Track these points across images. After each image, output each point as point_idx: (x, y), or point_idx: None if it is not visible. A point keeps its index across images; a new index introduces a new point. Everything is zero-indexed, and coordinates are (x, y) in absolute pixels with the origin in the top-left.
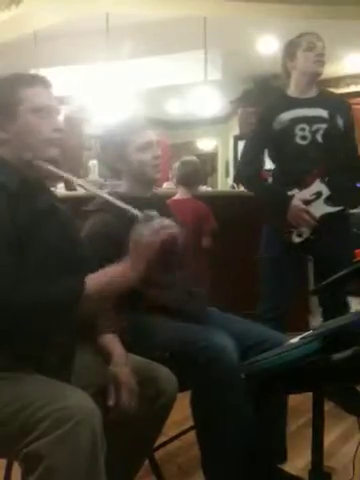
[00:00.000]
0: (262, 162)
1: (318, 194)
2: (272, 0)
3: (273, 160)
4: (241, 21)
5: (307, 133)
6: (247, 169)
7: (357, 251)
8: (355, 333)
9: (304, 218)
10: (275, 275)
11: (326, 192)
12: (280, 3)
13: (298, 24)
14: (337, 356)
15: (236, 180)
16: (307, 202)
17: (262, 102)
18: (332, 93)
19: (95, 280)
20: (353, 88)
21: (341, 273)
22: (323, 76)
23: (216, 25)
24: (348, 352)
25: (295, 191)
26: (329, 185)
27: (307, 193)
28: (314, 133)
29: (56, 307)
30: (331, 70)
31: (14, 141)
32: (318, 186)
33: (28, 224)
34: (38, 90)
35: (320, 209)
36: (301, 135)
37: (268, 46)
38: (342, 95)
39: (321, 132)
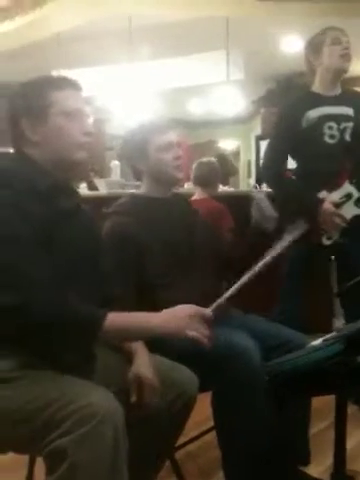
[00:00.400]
0: (287, 161)
1: (348, 196)
2: None
3: (298, 159)
4: (263, 21)
5: (335, 132)
6: (273, 168)
7: None
8: None
9: (336, 222)
10: (299, 275)
11: (356, 194)
12: (300, 1)
13: (319, 22)
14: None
15: (260, 180)
16: (338, 205)
17: (284, 102)
18: (355, 91)
19: (121, 319)
20: None
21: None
22: (346, 75)
23: (238, 25)
24: None
25: (323, 193)
26: (358, 186)
27: (337, 195)
28: (342, 132)
29: (77, 330)
30: (353, 68)
31: (44, 143)
32: (348, 188)
33: (56, 224)
34: (69, 93)
35: (350, 211)
36: (329, 134)
37: (290, 45)
38: None
39: (349, 131)
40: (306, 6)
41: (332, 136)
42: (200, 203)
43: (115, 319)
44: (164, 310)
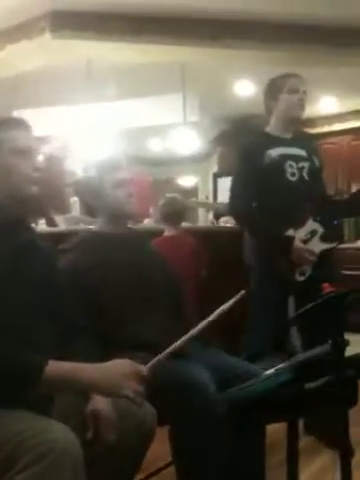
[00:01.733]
0: (253, 198)
1: (313, 232)
2: (246, 46)
3: (261, 196)
4: (217, 65)
5: (295, 170)
6: (241, 205)
7: (324, 285)
8: (326, 363)
9: (308, 258)
10: (270, 309)
11: (320, 230)
12: (254, 49)
13: (273, 69)
14: (309, 385)
15: (217, 216)
16: (305, 242)
17: (240, 141)
18: (304, 132)
19: (58, 370)
20: (327, 128)
21: (309, 306)
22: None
23: (194, 69)
24: (320, 381)
25: (291, 231)
26: (321, 222)
27: (303, 232)
28: (300, 170)
29: (12, 378)
30: (307, 111)
31: None
32: (312, 224)
33: (9, 261)
34: (19, 133)
35: (317, 246)
36: (290, 172)
37: (244, 89)
38: (317, 135)
39: (306, 170)
40: (257, 54)
41: (293, 174)
42: (179, 239)
43: (52, 368)
44: (99, 365)
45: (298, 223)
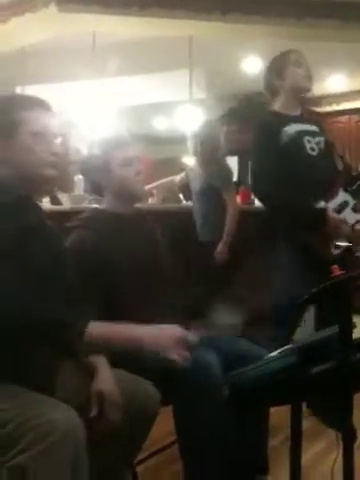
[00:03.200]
0: (277, 176)
1: (345, 203)
2: (256, 21)
3: (284, 174)
4: (225, 41)
5: (314, 145)
6: (266, 184)
7: (333, 267)
8: (333, 347)
9: (344, 228)
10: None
11: (351, 200)
12: (264, 24)
13: (282, 44)
14: (315, 369)
15: (254, 195)
16: (337, 213)
17: (247, 119)
18: (312, 110)
19: (105, 327)
20: (335, 107)
21: (318, 288)
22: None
23: (201, 45)
24: (325, 365)
25: (322, 203)
26: (352, 193)
27: (334, 204)
28: (318, 144)
29: (58, 334)
30: (314, 89)
31: (10, 160)
32: (343, 196)
33: (18, 240)
34: (38, 113)
35: (351, 217)
36: (310, 147)
37: (252, 65)
38: (325, 113)
39: (322, 144)
40: (266, 29)
41: (312, 149)
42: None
43: (100, 326)
44: (150, 326)
45: (328, 195)
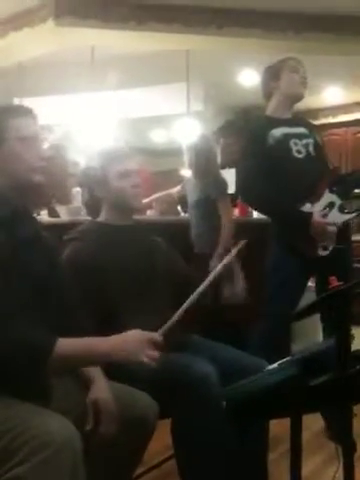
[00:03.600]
0: (263, 180)
1: (331, 204)
2: (252, 35)
3: (270, 177)
4: (222, 54)
5: (300, 147)
6: (254, 188)
7: (331, 279)
8: (331, 358)
9: (328, 231)
10: (287, 293)
11: (338, 201)
12: (260, 38)
13: (278, 57)
14: (314, 381)
15: (241, 200)
16: (324, 215)
17: (245, 127)
18: (302, 116)
19: (71, 345)
20: (331, 119)
21: (315, 300)
22: (303, 107)
23: (198, 58)
24: (324, 377)
25: (307, 206)
26: (337, 193)
27: (320, 206)
28: (306, 147)
29: (24, 356)
30: (310, 101)
31: (0, 168)
32: (328, 197)
33: (13, 252)
34: (24, 120)
35: (338, 218)
36: (296, 149)
37: (248, 79)
38: (321, 126)
39: (311, 146)
40: (262, 43)
41: (299, 151)
42: None
43: (65, 345)
44: (112, 336)
45: (313, 197)
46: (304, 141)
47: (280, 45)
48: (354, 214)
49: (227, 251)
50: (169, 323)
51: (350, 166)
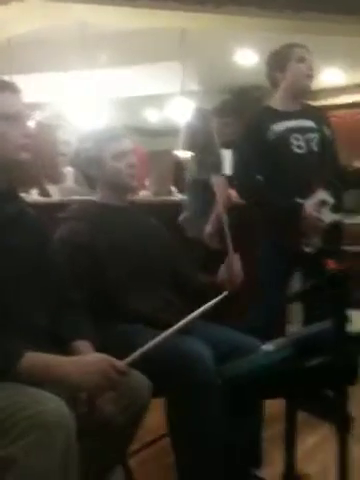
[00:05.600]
0: (258, 172)
1: (324, 202)
2: (249, 13)
3: (267, 170)
4: (218, 33)
5: (302, 143)
6: (247, 178)
7: (329, 261)
8: (327, 340)
9: (318, 225)
10: (274, 281)
11: (331, 200)
12: (257, 16)
13: (275, 37)
14: (309, 362)
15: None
16: (315, 210)
17: (240, 113)
18: (313, 106)
19: (39, 363)
20: (330, 101)
21: (312, 282)
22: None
23: (193, 37)
24: (320, 358)
25: (299, 200)
26: (332, 193)
27: (312, 202)
28: (308, 142)
29: None
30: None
31: None
32: (322, 195)
33: None
34: (6, 96)
35: (327, 217)
36: (297, 144)
37: (245, 58)
38: (320, 107)
39: (315, 141)
40: (260, 21)
41: (299, 146)
42: None
43: (33, 360)
44: (76, 359)
45: (307, 194)
46: (307, 136)
47: (278, 24)
48: (341, 216)
49: (217, 231)
50: (137, 354)
51: (349, 148)
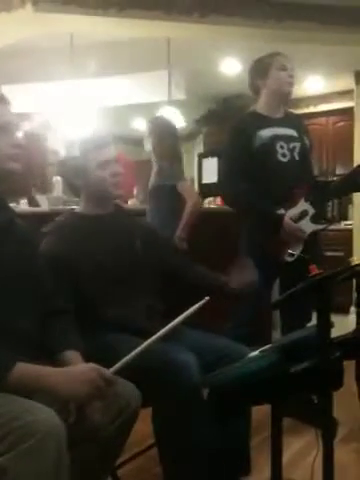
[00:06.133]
0: (243, 178)
1: (305, 212)
2: (235, 23)
3: (252, 177)
4: (204, 42)
5: (286, 151)
6: (231, 186)
7: (312, 267)
8: (311, 346)
9: (298, 236)
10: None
11: (311, 210)
12: (243, 26)
13: (259, 47)
14: (294, 368)
15: (203, 195)
16: (295, 222)
17: (228, 121)
18: (295, 113)
19: (25, 371)
20: (312, 109)
21: (296, 288)
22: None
23: (180, 46)
24: (305, 364)
25: (281, 211)
26: (312, 203)
27: (294, 212)
28: (291, 151)
29: None
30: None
31: None
32: (303, 205)
33: None
34: None
35: (308, 227)
36: (281, 153)
37: (230, 67)
38: (302, 115)
39: (297, 150)
40: (244, 31)
41: (284, 155)
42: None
43: (23, 371)
44: (65, 370)
45: (289, 203)
46: (291, 145)
47: (262, 33)
48: (324, 226)
49: (187, 234)
50: (122, 362)
51: (331, 156)
